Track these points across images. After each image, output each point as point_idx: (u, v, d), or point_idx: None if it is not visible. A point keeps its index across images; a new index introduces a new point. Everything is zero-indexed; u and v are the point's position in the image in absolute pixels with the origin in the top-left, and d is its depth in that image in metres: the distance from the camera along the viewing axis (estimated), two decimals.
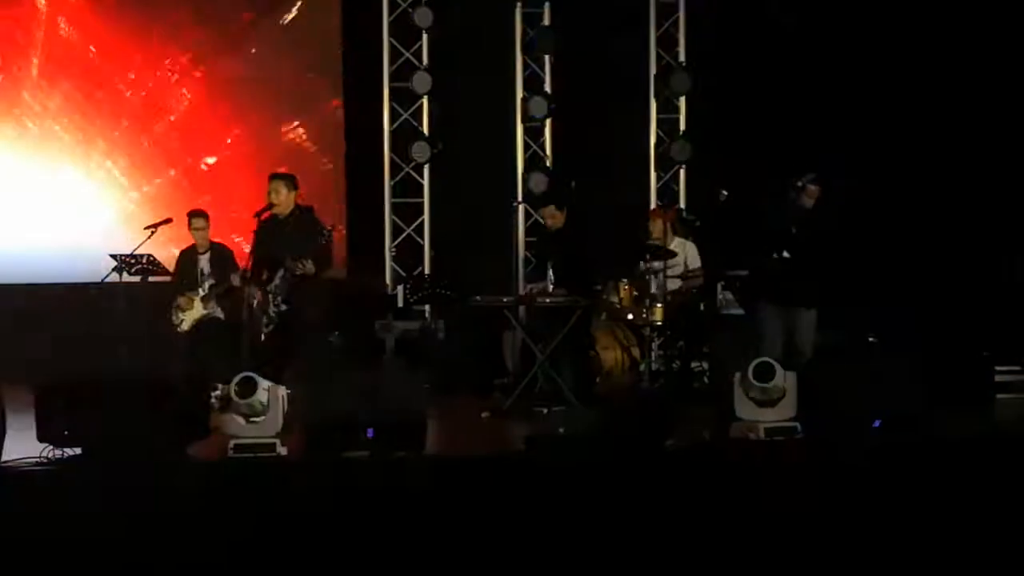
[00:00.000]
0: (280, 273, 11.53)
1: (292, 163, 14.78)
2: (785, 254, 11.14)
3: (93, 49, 14.76)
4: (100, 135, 14.81)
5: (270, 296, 11.53)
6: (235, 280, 11.98)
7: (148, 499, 8.38)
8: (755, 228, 11.39)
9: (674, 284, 12.91)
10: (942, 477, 9.17)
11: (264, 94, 15.12)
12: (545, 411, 11.65)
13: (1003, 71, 14.60)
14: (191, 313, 12.80)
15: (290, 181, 11.75)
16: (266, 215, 11.62)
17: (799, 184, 11.23)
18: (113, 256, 12.78)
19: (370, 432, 9.26)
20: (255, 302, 11.55)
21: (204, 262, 12.92)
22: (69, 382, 9.43)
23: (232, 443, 9.16)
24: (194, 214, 13.10)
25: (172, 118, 14.93)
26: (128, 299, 12.71)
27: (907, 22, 14.65)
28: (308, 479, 8.89)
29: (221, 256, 13.00)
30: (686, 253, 13.24)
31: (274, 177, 11.79)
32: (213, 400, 9.93)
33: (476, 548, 8.27)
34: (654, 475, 8.96)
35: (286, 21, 15.15)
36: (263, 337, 11.45)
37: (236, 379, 9.29)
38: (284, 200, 11.61)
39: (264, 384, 9.27)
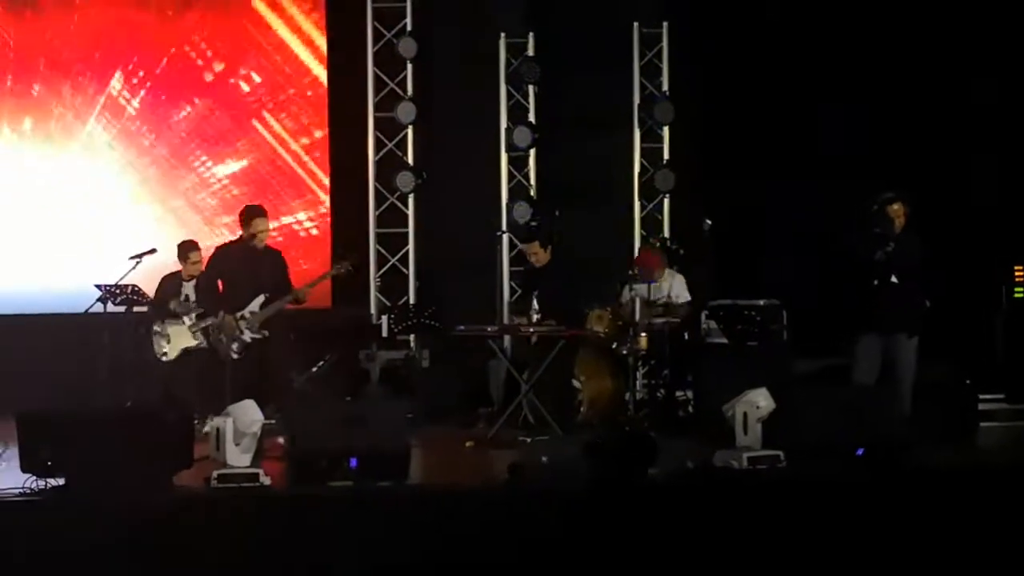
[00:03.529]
0: (260, 300, 11.67)
1: (277, 194, 14.91)
2: (893, 279, 11.04)
3: (68, 89, 14.79)
4: (80, 167, 14.78)
5: (242, 322, 11.62)
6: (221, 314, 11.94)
7: (132, 529, 8.39)
8: (850, 257, 11.28)
9: (657, 315, 12.89)
10: (925, 506, 9.19)
11: (249, 125, 15.11)
12: (529, 440, 11.64)
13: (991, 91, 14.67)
14: (177, 343, 12.79)
15: (266, 215, 11.96)
16: (236, 243, 11.81)
17: (875, 207, 11.16)
18: (98, 286, 12.76)
19: (353, 462, 9.26)
20: (226, 323, 11.63)
21: (189, 288, 12.89)
22: (53, 412, 9.43)
23: (215, 473, 9.15)
24: (191, 247, 13.08)
25: (156, 149, 14.91)
26: (112, 329, 12.68)
27: (895, 46, 14.70)
28: (292, 509, 8.90)
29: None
30: (672, 284, 13.24)
31: (259, 210, 11.93)
32: (206, 430, 9.95)
33: None
34: (638, 504, 8.97)
35: (271, 51, 15.15)
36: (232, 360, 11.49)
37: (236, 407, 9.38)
38: (266, 232, 11.82)
39: (259, 415, 9.35)
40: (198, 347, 12.72)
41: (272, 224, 12.87)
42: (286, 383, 12.11)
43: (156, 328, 12.83)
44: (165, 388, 12.65)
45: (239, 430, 9.34)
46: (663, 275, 13.15)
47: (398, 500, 9.07)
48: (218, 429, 9.43)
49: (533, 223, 14.76)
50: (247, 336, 11.63)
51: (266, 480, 9.19)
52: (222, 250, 12.13)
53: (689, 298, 13.22)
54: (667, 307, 12.90)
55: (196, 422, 10.18)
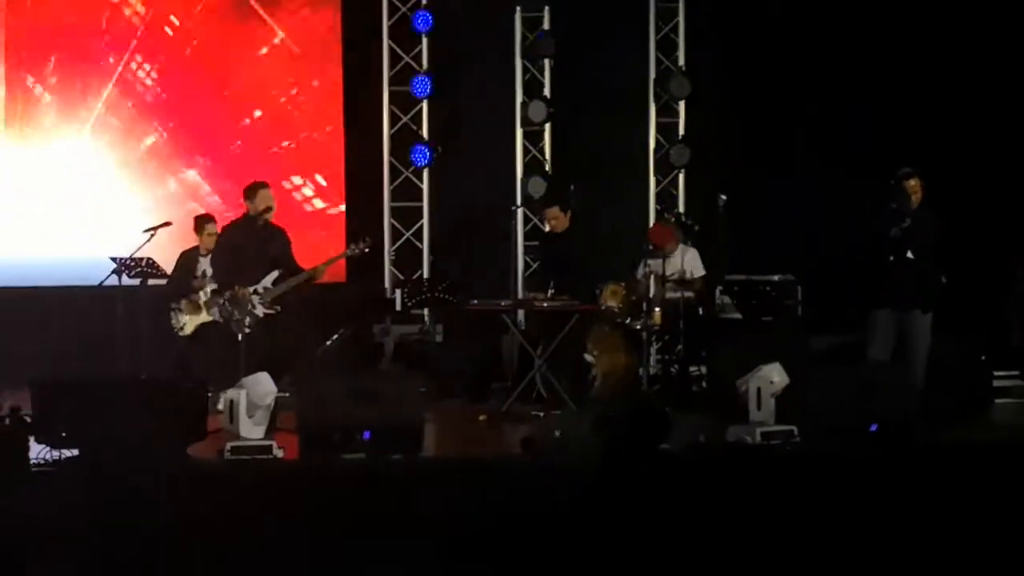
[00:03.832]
0: (273, 276, 11.70)
1: (291, 168, 14.91)
2: (908, 255, 11.00)
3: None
4: (96, 139, 14.77)
5: (255, 296, 11.64)
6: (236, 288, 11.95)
7: (145, 500, 8.40)
8: (866, 232, 11.26)
9: (671, 290, 12.87)
10: (939, 482, 9.17)
11: (263, 99, 15.10)
12: (542, 415, 11.64)
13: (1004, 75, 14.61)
14: (194, 318, 12.79)
15: (269, 187, 12.07)
16: (242, 221, 11.99)
17: (892, 182, 11.09)
18: (113, 259, 12.78)
19: (367, 435, 9.27)
20: (240, 297, 11.64)
21: (205, 264, 12.88)
22: (67, 384, 9.46)
23: (229, 445, 9.17)
24: (207, 219, 13.09)
25: (170, 124, 14.90)
26: (127, 302, 12.70)
27: (910, 25, 14.64)
28: (305, 481, 8.91)
29: None
30: (686, 259, 13.22)
31: (263, 184, 12.00)
32: (220, 404, 9.97)
33: (471, 550, 8.28)
34: (650, 479, 8.97)
35: (286, 25, 15.13)
36: (240, 336, 11.49)
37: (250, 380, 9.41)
38: (273, 207, 11.92)
39: (273, 387, 9.38)
40: (214, 322, 12.73)
41: (287, 199, 12.88)
42: (300, 357, 12.16)
43: (174, 304, 12.85)
44: (181, 362, 12.65)
45: (253, 402, 9.38)
46: (676, 249, 13.13)
47: (411, 473, 9.07)
48: (232, 401, 9.47)
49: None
50: (260, 311, 11.64)
51: (279, 452, 9.21)
52: (229, 228, 12.16)
53: (704, 272, 13.21)
54: (681, 281, 12.86)
55: (210, 395, 10.20)
